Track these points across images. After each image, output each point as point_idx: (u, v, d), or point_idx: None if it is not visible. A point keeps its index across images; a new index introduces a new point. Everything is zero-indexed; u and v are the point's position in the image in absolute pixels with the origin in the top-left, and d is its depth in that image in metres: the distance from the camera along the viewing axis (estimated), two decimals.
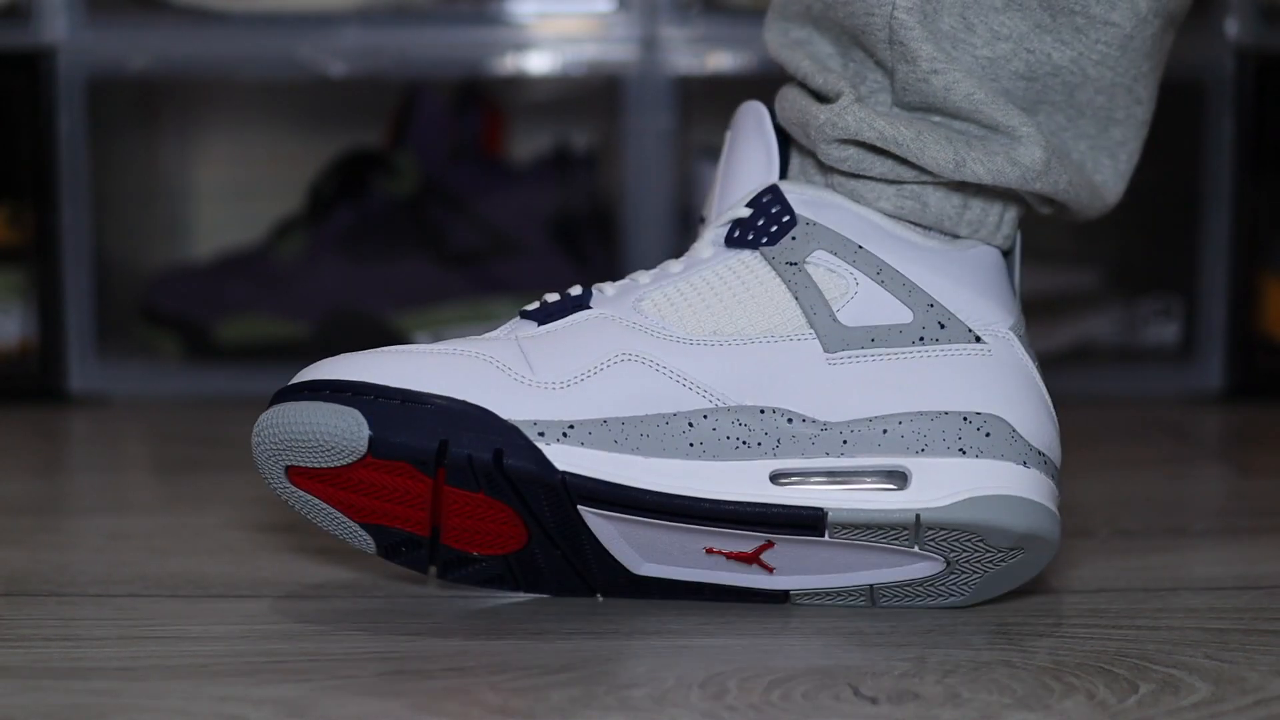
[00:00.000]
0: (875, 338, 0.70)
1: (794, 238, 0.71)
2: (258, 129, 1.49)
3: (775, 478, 0.69)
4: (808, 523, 0.69)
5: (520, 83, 1.42)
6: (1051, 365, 1.27)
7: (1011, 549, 0.70)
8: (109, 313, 1.29)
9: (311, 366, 0.71)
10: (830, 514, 0.68)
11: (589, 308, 0.72)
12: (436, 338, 1.29)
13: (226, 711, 0.61)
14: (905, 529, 0.69)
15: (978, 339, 0.71)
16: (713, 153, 1.36)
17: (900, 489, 0.69)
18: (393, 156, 1.32)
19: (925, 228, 0.73)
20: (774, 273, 0.71)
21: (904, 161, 0.71)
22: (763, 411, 0.69)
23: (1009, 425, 0.70)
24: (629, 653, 0.68)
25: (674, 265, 0.74)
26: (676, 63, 1.25)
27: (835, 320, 0.70)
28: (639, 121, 1.25)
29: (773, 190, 0.73)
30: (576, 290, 0.73)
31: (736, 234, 0.73)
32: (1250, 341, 1.26)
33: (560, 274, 1.30)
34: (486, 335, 0.72)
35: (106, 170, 1.29)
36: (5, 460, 1.08)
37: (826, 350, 0.70)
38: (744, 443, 0.69)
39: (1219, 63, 1.24)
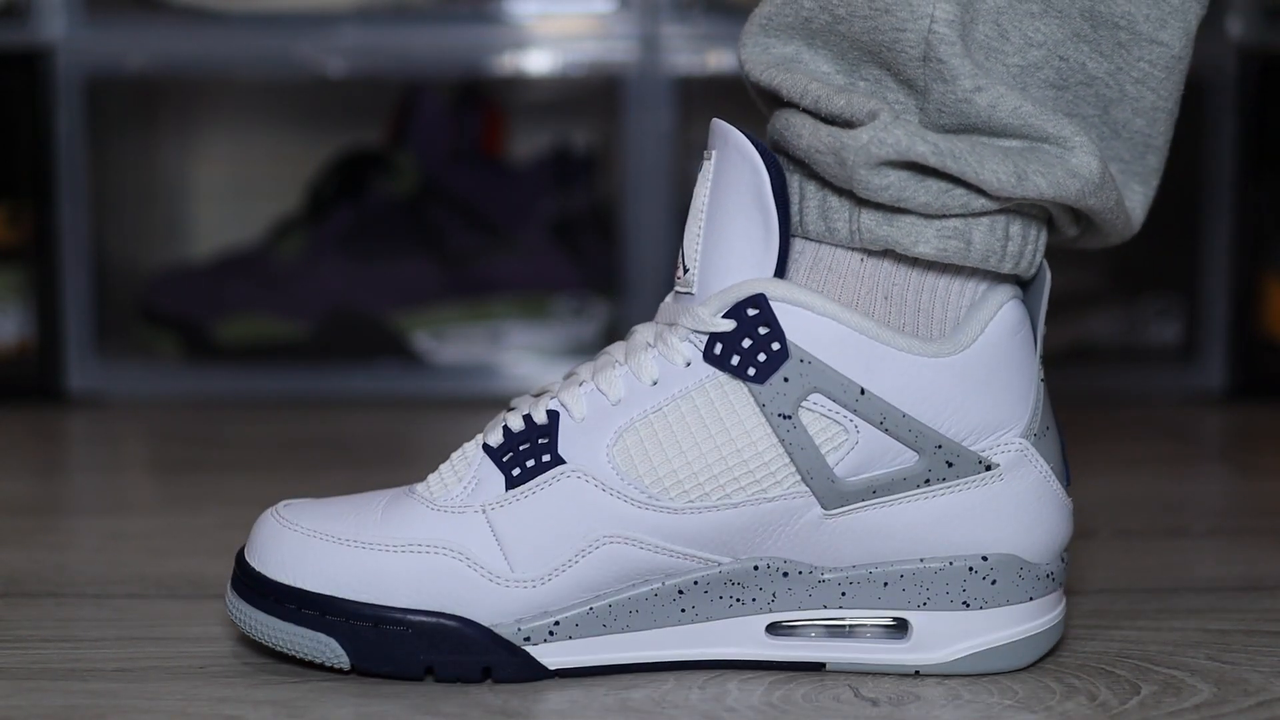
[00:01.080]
0: (877, 489, 0.64)
1: (786, 379, 0.63)
2: (257, 128, 1.49)
3: (772, 629, 0.66)
4: (806, 669, 0.66)
5: (520, 82, 1.42)
6: (1053, 365, 1.28)
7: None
8: (108, 312, 1.29)
9: (265, 535, 0.66)
10: (829, 665, 0.66)
11: (558, 455, 0.64)
12: (437, 338, 1.29)
13: (224, 712, 0.61)
14: (905, 675, 0.66)
15: (988, 467, 0.65)
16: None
17: (901, 640, 0.66)
18: (392, 156, 1.32)
19: (949, 275, 0.66)
20: (765, 424, 0.64)
21: (952, 184, 0.63)
22: (756, 568, 0.65)
23: (1019, 560, 0.66)
24: None
25: (647, 367, 0.65)
26: (677, 62, 1.25)
27: (834, 478, 0.64)
28: (639, 121, 1.25)
29: (760, 303, 0.63)
30: (541, 416, 0.65)
31: (718, 351, 0.64)
32: (1251, 341, 1.26)
33: (560, 274, 1.30)
34: (449, 497, 0.65)
35: (105, 170, 1.29)
36: (4, 460, 1.08)
37: (824, 507, 0.64)
38: (738, 600, 0.65)
39: (1221, 62, 1.23)
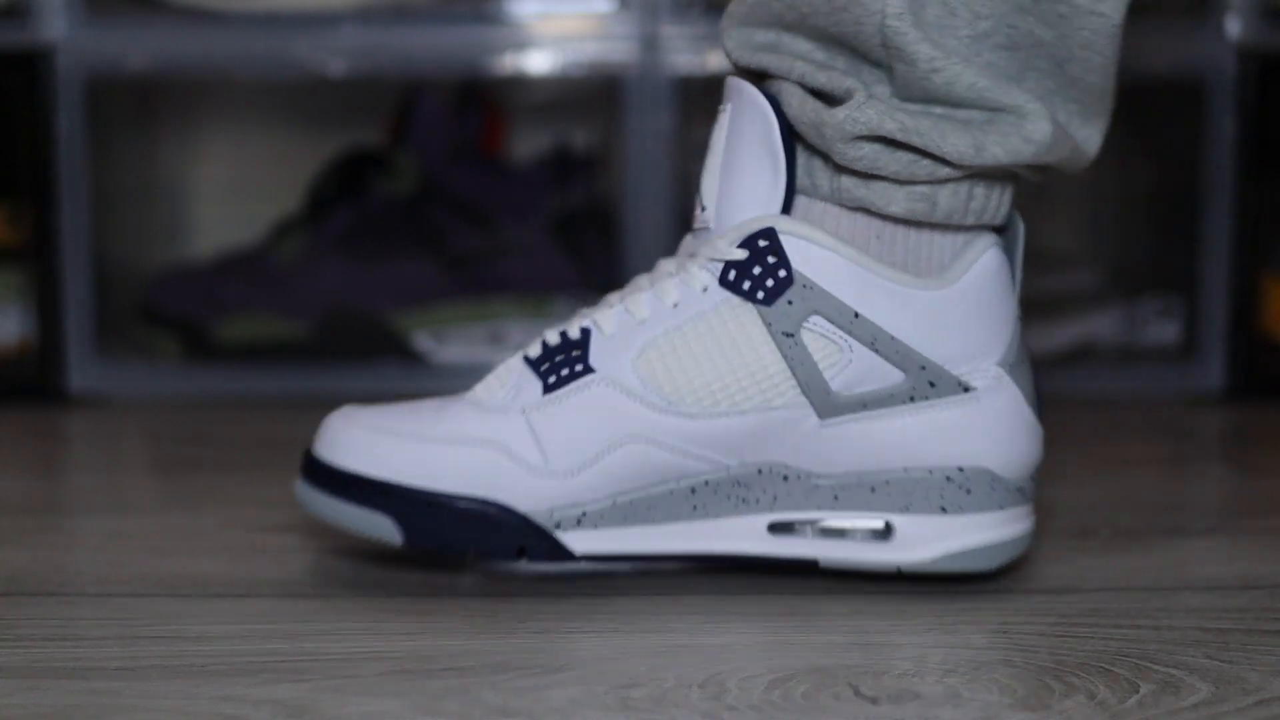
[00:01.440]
0: (867, 402, 0.73)
1: (790, 301, 0.72)
2: (257, 128, 1.49)
3: (773, 528, 0.75)
4: (802, 567, 0.75)
5: (520, 82, 1.42)
6: (1052, 365, 1.28)
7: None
8: (108, 313, 1.29)
9: (333, 431, 0.76)
10: (821, 562, 0.75)
11: (589, 366, 0.74)
12: (437, 338, 1.29)
13: (226, 711, 0.61)
14: (889, 573, 0.75)
15: (966, 389, 0.74)
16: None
17: (885, 541, 0.74)
18: (392, 156, 1.32)
19: (922, 228, 0.74)
20: (770, 341, 0.73)
21: (919, 155, 0.71)
22: (760, 471, 0.74)
23: (991, 474, 0.74)
24: (629, 652, 0.68)
25: (669, 291, 0.74)
26: (677, 62, 1.25)
27: (829, 391, 0.73)
28: (639, 121, 1.26)
29: (770, 235, 0.73)
30: (575, 332, 0.75)
31: (732, 277, 0.73)
32: (1251, 341, 1.26)
33: (560, 274, 1.30)
34: (493, 400, 0.75)
35: (105, 170, 1.29)
36: (5, 460, 1.08)
37: (820, 417, 0.73)
38: (743, 500, 0.74)
39: (1220, 62, 1.24)
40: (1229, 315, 1.26)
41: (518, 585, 0.78)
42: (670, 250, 1.25)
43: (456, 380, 1.28)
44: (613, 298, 0.76)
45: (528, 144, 1.44)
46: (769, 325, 0.72)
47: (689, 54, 1.25)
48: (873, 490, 0.74)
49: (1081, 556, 0.83)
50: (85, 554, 0.84)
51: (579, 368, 0.74)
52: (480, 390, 0.76)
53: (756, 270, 0.72)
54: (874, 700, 0.63)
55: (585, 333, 0.75)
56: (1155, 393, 1.26)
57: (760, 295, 0.72)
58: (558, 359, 0.75)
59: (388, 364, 1.28)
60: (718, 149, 0.74)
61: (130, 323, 1.32)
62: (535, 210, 1.32)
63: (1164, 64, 1.23)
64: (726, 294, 0.73)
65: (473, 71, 1.29)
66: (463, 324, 1.29)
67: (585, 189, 1.34)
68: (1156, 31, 1.24)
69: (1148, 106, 1.39)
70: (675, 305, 0.74)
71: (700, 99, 1.36)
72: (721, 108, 0.75)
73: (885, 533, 0.74)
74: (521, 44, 1.26)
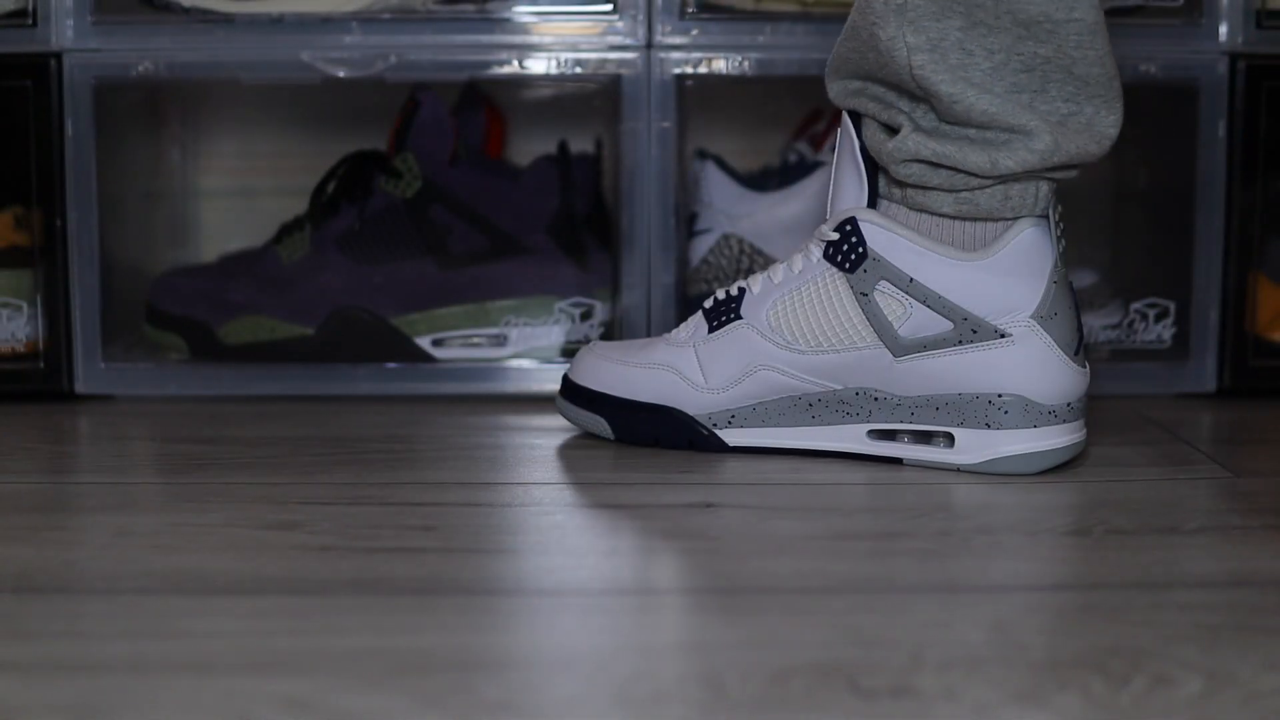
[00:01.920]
0: (927, 345, 0.98)
1: (865, 270, 0.99)
2: (262, 132, 1.49)
3: (870, 434, 1.02)
4: (889, 462, 1.02)
5: (521, 84, 1.43)
6: None
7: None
8: (115, 314, 1.30)
9: (579, 359, 1.10)
10: (905, 460, 1.01)
11: (740, 316, 1.03)
12: (439, 339, 1.29)
13: (232, 707, 0.61)
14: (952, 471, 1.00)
15: (1002, 335, 0.97)
16: (707, 155, 1.37)
17: (949, 447, 0.99)
18: (395, 158, 1.32)
19: (974, 221, 0.99)
20: (854, 298, 0.99)
21: (954, 171, 0.96)
22: (858, 393, 1.01)
23: (1024, 399, 0.97)
24: (629, 649, 0.68)
25: (796, 262, 1.02)
26: (676, 64, 1.26)
27: (898, 336, 0.99)
28: (639, 122, 1.26)
29: (853, 222, 0.99)
30: (735, 290, 1.05)
31: (829, 252, 1.00)
32: (1243, 342, 1.27)
33: (561, 275, 1.31)
34: (679, 338, 1.06)
35: (112, 173, 1.30)
36: (13, 459, 1.08)
37: (894, 355, 0.99)
38: (846, 413, 1.02)
39: (1212, 65, 1.24)
40: (1221, 316, 1.27)
41: (518, 582, 0.79)
42: (670, 251, 1.25)
43: (458, 381, 1.29)
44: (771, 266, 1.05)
45: (529, 145, 1.45)
46: (853, 286, 0.99)
47: (689, 55, 1.26)
48: (937, 409, 0.99)
49: (1075, 554, 0.83)
50: (92, 551, 0.85)
51: (732, 315, 1.04)
52: (674, 332, 1.07)
53: (845, 248, 0.99)
54: (871, 696, 0.63)
55: (741, 291, 1.04)
56: (1149, 392, 1.27)
57: (846, 265, 0.99)
58: (721, 309, 1.04)
59: (390, 365, 1.28)
60: (832, 167, 1.02)
61: (136, 324, 1.33)
62: (536, 212, 1.33)
63: (1156, 67, 1.24)
64: (826, 264, 1.00)
65: (474, 74, 1.30)
66: (464, 325, 1.29)
67: (585, 190, 1.34)
68: (1149, 35, 1.25)
69: (1141, 109, 1.39)
70: (799, 272, 1.02)
71: (699, 101, 1.36)
72: (837, 139, 1.01)
73: (949, 440, 0.99)
74: (522, 46, 1.27)
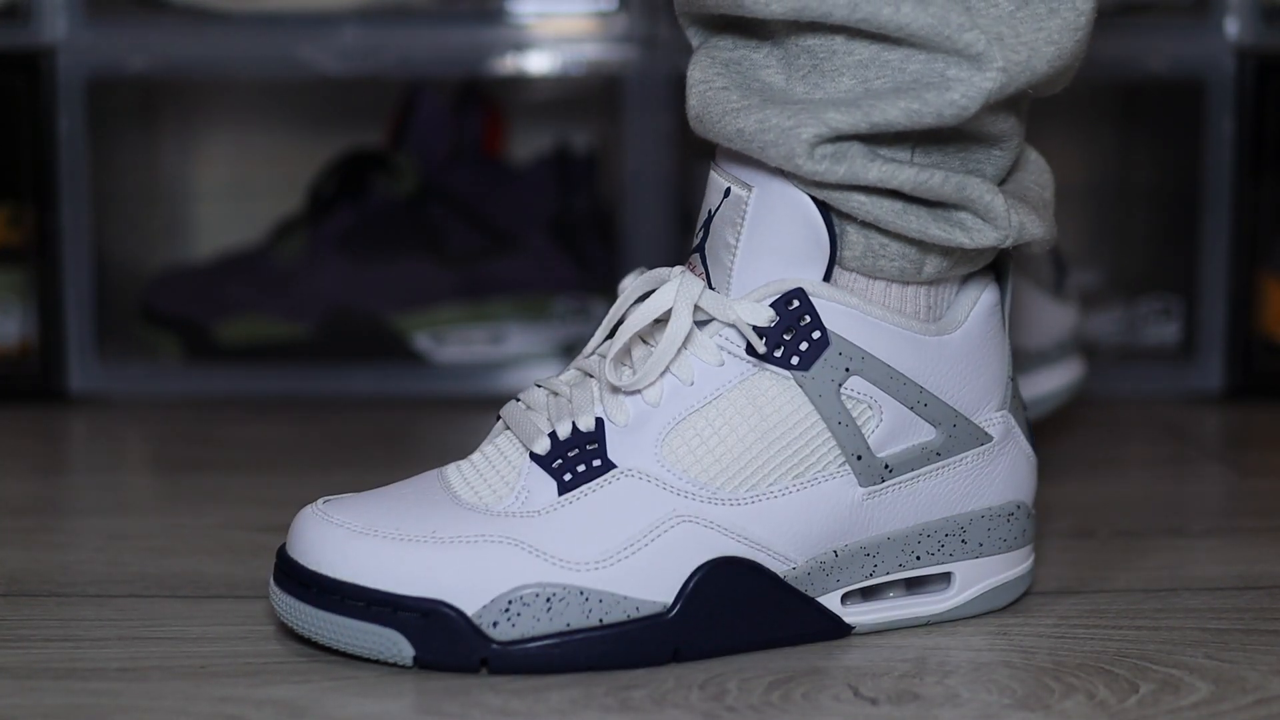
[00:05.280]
0: (905, 461, 0.70)
1: (828, 362, 0.68)
2: (258, 129, 1.49)
3: (843, 600, 0.70)
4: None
5: (520, 82, 1.42)
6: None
7: None
8: (109, 313, 1.29)
9: (302, 534, 0.67)
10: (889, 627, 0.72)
11: (608, 460, 0.67)
12: (437, 338, 1.29)
13: (227, 712, 0.61)
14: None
15: (985, 438, 0.72)
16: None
17: (944, 590, 0.72)
18: (393, 157, 1.32)
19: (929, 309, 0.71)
20: (811, 406, 0.68)
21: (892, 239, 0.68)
22: (818, 559, 0.69)
23: (1007, 513, 0.73)
24: None
25: (686, 370, 0.68)
26: (676, 62, 1.25)
27: (870, 453, 0.69)
28: (639, 121, 1.26)
29: (800, 295, 0.68)
30: (587, 423, 0.68)
31: (763, 349, 0.68)
32: (1250, 342, 1.26)
33: (560, 274, 1.30)
34: (502, 508, 0.67)
35: (106, 170, 1.29)
36: (5, 460, 1.08)
37: (861, 485, 0.69)
38: (813, 582, 0.69)
39: (1219, 62, 1.24)
40: (1228, 315, 1.26)
41: None
42: (669, 251, 1.25)
43: (456, 381, 1.29)
44: (604, 376, 0.69)
45: (528, 144, 1.44)
46: (805, 388, 0.68)
47: (689, 54, 1.25)
48: (920, 544, 0.71)
49: (1080, 557, 0.83)
50: (86, 554, 0.84)
51: (597, 463, 0.67)
52: (484, 494, 0.68)
53: (789, 336, 0.68)
54: (873, 701, 0.63)
55: (599, 424, 0.68)
56: (1155, 393, 1.27)
57: (795, 361, 0.68)
58: (571, 454, 0.68)
59: (388, 364, 1.28)
60: (740, 225, 0.70)
61: (131, 323, 1.32)
62: (535, 211, 1.32)
63: (1163, 65, 1.23)
64: (756, 366, 0.68)
65: (473, 71, 1.29)
66: (462, 325, 1.29)
67: (585, 189, 1.34)
68: (1155, 32, 1.24)
69: (1147, 107, 1.39)
70: (692, 384, 0.68)
71: None
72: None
73: (944, 579, 0.72)
74: (521, 44, 1.26)
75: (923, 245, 0.69)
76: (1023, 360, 0.96)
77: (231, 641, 0.69)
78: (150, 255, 1.42)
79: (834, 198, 0.67)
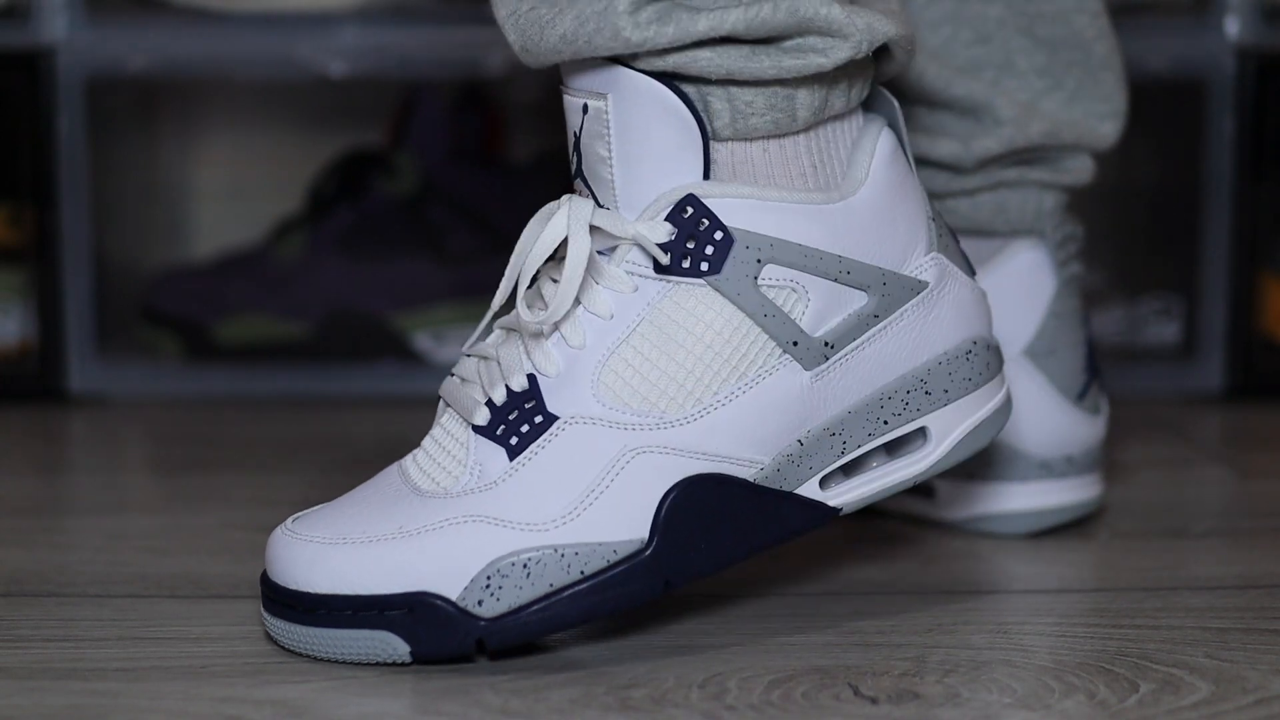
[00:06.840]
0: (844, 334, 0.69)
1: (736, 258, 0.67)
2: (257, 129, 1.49)
3: (823, 484, 0.70)
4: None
5: (520, 83, 1.42)
6: None
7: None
8: (109, 313, 1.29)
9: (279, 556, 0.67)
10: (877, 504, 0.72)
11: (549, 414, 0.67)
12: (436, 338, 1.29)
13: (226, 712, 0.61)
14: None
15: (920, 285, 0.70)
16: None
17: (922, 446, 0.71)
18: (392, 156, 1.32)
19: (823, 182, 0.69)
20: (734, 308, 0.67)
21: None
22: (784, 453, 0.68)
23: (964, 353, 0.71)
24: (629, 653, 0.68)
25: (598, 303, 0.67)
26: None
27: (805, 335, 0.68)
28: None
29: (692, 201, 0.67)
30: (519, 382, 0.67)
31: (668, 262, 0.67)
32: (1250, 341, 1.26)
33: None
34: (459, 488, 0.67)
35: (106, 170, 1.29)
36: (5, 460, 1.08)
37: (806, 369, 0.68)
38: (785, 477, 0.69)
39: (1219, 62, 1.24)
40: (1228, 315, 1.26)
41: None
42: None
43: None
44: (522, 322, 0.68)
45: (528, 144, 1.44)
46: (723, 290, 0.67)
47: None
48: (883, 407, 0.70)
49: (1080, 557, 0.83)
50: (85, 554, 0.84)
51: (539, 419, 0.67)
52: (439, 478, 0.68)
53: (692, 245, 0.67)
54: (874, 700, 0.63)
55: (532, 380, 0.67)
56: (1155, 392, 1.26)
57: (704, 267, 0.67)
58: (511, 418, 0.67)
59: (387, 364, 1.28)
60: (575, 135, 0.70)
61: (131, 323, 1.32)
62: (535, 210, 1.32)
63: (1163, 64, 1.23)
64: (669, 282, 0.67)
65: (473, 71, 1.29)
66: (462, 324, 1.29)
67: None
68: (1156, 31, 1.24)
69: (1147, 106, 1.39)
70: (612, 317, 0.67)
71: None
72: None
73: (924, 437, 0.71)
74: None
75: (784, 86, 0.67)
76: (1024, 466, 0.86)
77: (231, 641, 0.69)
78: (150, 255, 1.42)
79: (681, 63, 0.66)
